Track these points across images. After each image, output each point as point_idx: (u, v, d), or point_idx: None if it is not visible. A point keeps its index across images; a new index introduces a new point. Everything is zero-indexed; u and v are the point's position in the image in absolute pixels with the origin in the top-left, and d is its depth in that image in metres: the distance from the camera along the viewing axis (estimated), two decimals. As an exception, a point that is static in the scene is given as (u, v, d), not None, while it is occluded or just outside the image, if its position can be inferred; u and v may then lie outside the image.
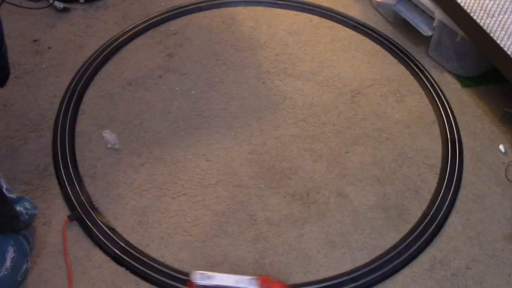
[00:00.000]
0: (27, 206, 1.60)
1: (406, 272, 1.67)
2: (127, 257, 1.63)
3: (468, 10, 2.05)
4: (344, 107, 2.17)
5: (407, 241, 1.74)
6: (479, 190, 1.92)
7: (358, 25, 2.57)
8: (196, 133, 2.01)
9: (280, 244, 1.71)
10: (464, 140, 2.09)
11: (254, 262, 1.66)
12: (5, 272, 1.41)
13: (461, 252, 1.73)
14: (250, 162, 1.94)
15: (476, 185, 1.94)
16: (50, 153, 1.90)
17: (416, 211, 1.84)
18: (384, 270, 1.66)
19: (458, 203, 1.88)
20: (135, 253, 1.64)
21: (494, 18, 1.99)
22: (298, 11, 2.63)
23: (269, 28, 2.51)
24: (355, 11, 2.66)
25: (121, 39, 2.36)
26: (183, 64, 2.28)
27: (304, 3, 2.66)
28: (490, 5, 2.05)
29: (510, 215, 1.85)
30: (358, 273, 1.65)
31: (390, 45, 2.48)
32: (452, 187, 1.90)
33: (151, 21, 2.46)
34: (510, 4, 2.06)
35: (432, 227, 1.78)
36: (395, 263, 1.68)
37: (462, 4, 2.08)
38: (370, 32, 2.55)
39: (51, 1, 2.46)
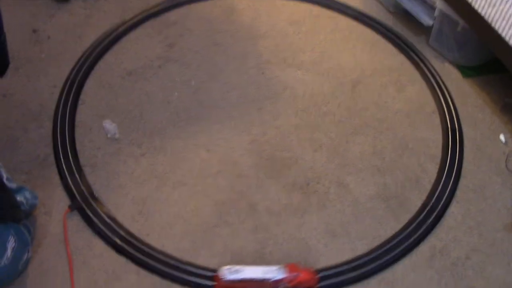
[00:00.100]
0: (27, 196, 1.60)
1: (406, 261, 1.68)
2: (127, 246, 1.63)
3: (469, 0, 2.04)
4: (345, 97, 2.16)
5: (407, 231, 1.74)
6: (479, 180, 1.92)
7: (358, 15, 2.56)
8: (196, 123, 2.01)
9: (280, 234, 1.71)
10: (464, 130, 2.08)
11: (254, 252, 1.66)
12: (6, 262, 1.41)
13: (461, 242, 1.74)
14: (250, 152, 1.93)
15: (476, 175, 1.94)
16: (50, 143, 1.90)
17: (416, 201, 1.84)
18: (384, 259, 1.66)
19: (458, 193, 1.88)
20: (135, 243, 1.65)
21: (496, 8, 1.98)
22: (298, 1, 2.62)
23: (269, 18, 2.50)
24: (355, 1, 2.65)
25: (120, 29, 2.35)
26: (183, 54, 2.28)
27: (305, -7, 2.65)
28: (491, -5, 2.04)
29: (510, 205, 1.85)
30: (358, 262, 1.65)
31: (390, 35, 2.48)
32: (452, 177, 1.90)
33: (150, 11, 2.45)
34: (511, -6, 2.05)
35: (432, 217, 1.79)
36: (395, 252, 1.68)
37: (463, -6, 2.07)
38: (370, 22, 2.54)
39: (50, -9, 2.45)
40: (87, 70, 2.16)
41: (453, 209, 1.83)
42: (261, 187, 1.83)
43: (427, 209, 1.81)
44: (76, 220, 1.69)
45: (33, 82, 2.10)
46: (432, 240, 1.74)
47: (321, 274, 1.60)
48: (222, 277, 1.49)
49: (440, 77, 2.28)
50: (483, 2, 2.01)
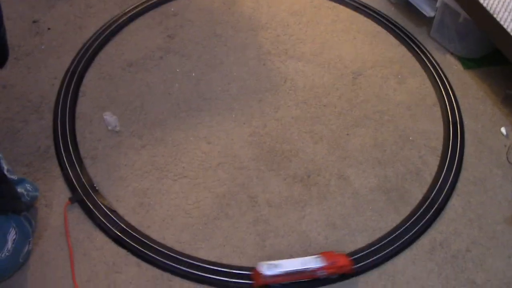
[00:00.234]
0: (28, 187, 1.60)
1: (407, 254, 1.68)
2: (128, 238, 1.64)
3: (471, -9, 2.04)
4: (345, 89, 2.16)
5: (407, 223, 1.74)
6: (480, 172, 1.92)
7: (359, 6, 2.55)
8: (197, 115, 2.01)
9: (280, 226, 1.72)
10: (465, 122, 2.08)
11: (255, 244, 1.66)
12: (7, 254, 1.41)
13: (462, 235, 1.74)
14: (251, 144, 1.93)
15: (477, 167, 1.94)
16: (50, 135, 1.89)
17: (417, 194, 1.84)
18: (385, 252, 1.67)
19: (459, 185, 1.88)
20: (136, 235, 1.65)
21: (498, -1, 1.98)
22: (299, -9, 2.61)
23: (269, 8, 2.49)
24: (357, -8, 2.64)
25: (121, 20, 2.34)
26: (183, 45, 2.27)
27: (306, -16, 2.64)
28: (493, -14, 2.03)
29: (511, 197, 1.85)
30: (359, 255, 1.65)
31: (392, 26, 2.47)
32: (453, 170, 1.90)
33: (151, 2, 2.44)
34: (514, -15, 2.04)
35: (433, 210, 1.79)
36: (395, 245, 1.69)
37: (465, -15, 2.06)
38: (371, 13, 2.53)
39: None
40: (88, 62, 2.15)
41: (453, 201, 1.83)
42: (262, 179, 1.83)
43: (427, 201, 1.81)
44: (76, 212, 1.69)
45: (33, 73, 2.09)
46: (432, 233, 1.74)
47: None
48: (262, 273, 1.49)
49: (441, 69, 2.28)
50: (485, -6, 2.01)
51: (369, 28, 2.45)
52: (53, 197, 1.72)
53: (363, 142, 1.98)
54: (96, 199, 1.72)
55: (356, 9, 2.54)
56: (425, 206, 1.80)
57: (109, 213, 1.69)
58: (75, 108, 1.99)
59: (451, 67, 2.30)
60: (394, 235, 1.71)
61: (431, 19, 2.38)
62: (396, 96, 2.15)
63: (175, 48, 2.25)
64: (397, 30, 2.45)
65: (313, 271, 1.52)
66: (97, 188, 1.76)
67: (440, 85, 2.20)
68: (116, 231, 1.65)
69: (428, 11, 2.35)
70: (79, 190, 1.73)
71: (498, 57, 2.20)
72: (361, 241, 1.70)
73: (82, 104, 2.01)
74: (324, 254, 1.55)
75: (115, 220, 1.67)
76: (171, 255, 1.61)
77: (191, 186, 1.80)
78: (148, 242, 1.63)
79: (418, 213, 1.77)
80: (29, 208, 1.63)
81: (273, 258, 1.62)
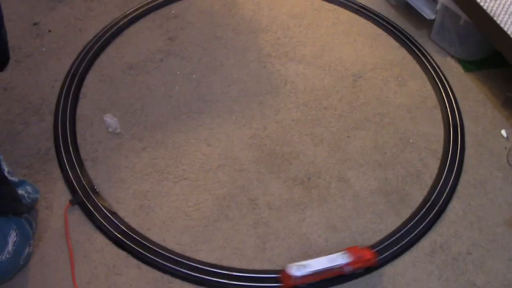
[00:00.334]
0: (28, 189, 1.60)
1: (407, 256, 1.68)
2: (128, 241, 1.64)
3: (472, -6, 2.04)
4: (346, 91, 2.16)
5: (408, 226, 1.74)
6: (480, 175, 1.92)
7: (360, 9, 2.55)
8: (197, 117, 2.01)
9: (281, 229, 1.72)
10: (466, 125, 2.08)
11: (255, 246, 1.67)
12: (7, 256, 1.41)
13: (462, 237, 1.74)
14: (251, 146, 1.93)
15: (477, 170, 1.94)
16: (51, 137, 1.89)
17: (417, 196, 1.84)
18: (385, 254, 1.67)
19: (459, 188, 1.88)
20: (136, 237, 1.65)
21: (498, 1, 1.98)
22: (300, -6, 2.62)
23: (270, 11, 2.50)
24: (357, -6, 2.64)
25: (121, 22, 2.34)
26: (184, 48, 2.27)
27: (306, -14, 2.64)
28: (493, -11, 2.04)
29: (511, 200, 1.85)
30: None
31: (392, 29, 2.47)
32: (454, 172, 1.90)
33: (151, 4, 2.44)
34: (514, -12, 2.04)
35: (433, 212, 1.79)
36: (396, 247, 1.69)
37: (465, -12, 2.07)
38: (372, 15, 2.53)
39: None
40: (88, 64, 2.15)
41: (454, 204, 1.83)
42: (262, 181, 1.83)
43: (428, 204, 1.81)
44: (77, 215, 1.69)
45: (34, 75, 2.09)
46: (433, 235, 1.74)
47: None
48: (292, 275, 1.50)
49: (441, 71, 2.28)
50: (485, -4, 2.01)
51: (369, 31, 2.46)
52: (54, 199, 1.72)
53: (364, 144, 1.98)
54: (97, 201, 1.72)
55: (356, 11, 2.54)
56: (425, 208, 1.80)
57: (109, 215, 1.69)
58: (76, 110, 1.99)
59: (452, 69, 2.30)
60: (394, 238, 1.71)
61: (431, 22, 2.38)
62: (396, 99, 2.15)
63: (176, 51, 2.25)
64: (398, 33, 2.45)
65: (341, 267, 1.54)
66: (97, 190, 1.76)
67: (441, 88, 2.20)
68: (116, 233, 1.65)
69: (429, 14, 2.35)
70: (80, 192, 1.73)
71: (498, 60, 2.20)
72: (361, 243, 1.70)
73: (83, 106, 2.01)
74: (349, 249, 1.57)
75: (116, 222, 1.68)
76: (171, 257, 1.61)
77: (192, 188, 1.80)
78: (148, 244, 1.63)
79: (419, 216, 1.77)
80: (29, 210, 1.63)
81: (274, 261, 1.63)
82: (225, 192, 1.80)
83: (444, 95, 2.17)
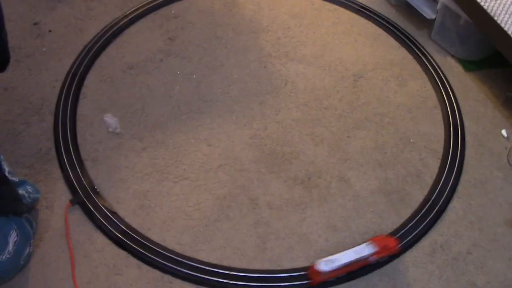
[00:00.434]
0: (29, 189, 1.60)
1: (407, 256, 1.68)
2: (129, 240, 1.64)
3: (472, -6, 2.04)
4: (346, 91, 2.16)
5: (408, 226, 1.74)
6: (481, 175, 1.92)
7: (360, 8, 2.55)
8: (197, 117, 2.01)
9: (281, 228, 1.72)
10: (466, 124, 2.08)
11: (256, 246, 1.66)
12: (8, 256, 1.41)
13: (462, 237, 1.74)
14: (252, 146, 1.93)
15: (478, 170, 1.94)
16: (51, 137, 1.90)
17: (417, 196, 1.84)
18: (385, 254, 1.67)
19: (459, 187, 1.88)
20: (136, 237, 1.65)
21: (498, 1, 1.98)
22: (300, -6, 2.62)
23: (270, 11, 2.50)
24: (357, -6, 2.64)
25: (122, 22, 2.34)
26: (184, 48, 2.27)
27: (306, -14, 2.64)
28: (494, -12, 2.04)
29: (512, 200, 1.86)
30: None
31: (392, 29, 2.47)
32: (454, 172, 1.90)
33: (152, 4, 2.45)
34: (514, -13, 2.04)
35: (434, 212, 1.79)
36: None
37: (466, -13, 2.07)
38: (372, 15, 2.53)
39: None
40: (89, 64, 2.15)
41: (454, 204, 1.83)
42: (262, 181, 1.83)
43: (428, 204, 1.81)
44: (77, 214, 1.69)
45: (34, 75, 2.09)
46: (433, 235, 1.74)
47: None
48: (321, 271, 1.51)
49: (442, 71, 2.28)
50: (485, -4, 2.01)
51: (369, 31, 2.46)
52: (54, 199, 1.72)
53: (364, 144, 1.98)
54: (97, 201, 1.72)
55: (357, 11, 2.54)
56: (425, 208, 1.80)
57: (109, 215, 1.69)
58: (76, 110, 1.99)
59: (452, 69, 2.30)
60: (394, 238, 1.71)
61: (432, 22, 2.38)
62: (396, 99, 2.15)
63: (176, 51, 2.25)
64: (398, 33, 2.45)
65: (367, 258, 1.56)
66: (97, 190, 1.76)
67: (441, 88, 2.20)
68: (116, 233, 1.65)
69: (429, 14, 2.35)
70: (80, 192, 1.74)
71: (498, 60, 2.20)
72: (361, 243, 1.69)
73: (83, 106, 2.01)
74: (373, 239, 1.59)
75: (116, 222, 1.68)
76: (172, 257, 1.61)
77: (192, 188, 1.80)
78: (148, 244, 1.63)
79: (419, 216, 1.77)
80: (30, 210, 1.64)
81: (274, 261, 1.63)
82: (226, 192, 1.80)
83: (444, 95, 2.17)
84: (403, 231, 1.72)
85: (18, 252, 1.46)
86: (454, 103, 2.14)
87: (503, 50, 1.99)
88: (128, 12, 2.40)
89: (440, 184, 1.87)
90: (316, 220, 1.75)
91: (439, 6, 2.28)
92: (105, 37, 2.26)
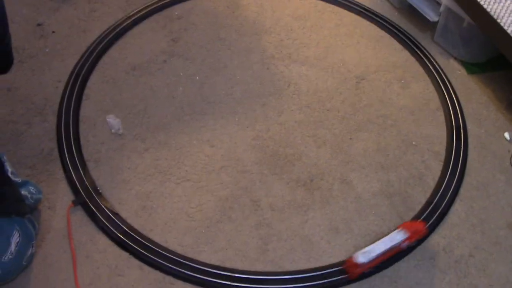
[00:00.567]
0: (31, 190, 1.60)
1: (410, 259, 1.68)
2: (130, 241, 1.64)
3: (475, -4, 2.03)
4: (349, 93, 2.16)
5: (410, 228, 1.74)
6: (483, 177, 1.92)
7: (363, 10, 2.55)
8: (200, 119, 2.01)
9: (283, 230, 1.71)
10: (469, 127, 2.08)
11: (257, 248, 1.66)
12: (10, 257, 1.42)
13: (465, 240, 1.74)
14: (254, 147, 1.93)
15: (480, 172, 1.93)
16: (54, 137, 1.90)
17: (420, 198, 1.84)
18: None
19: (462, 190, 1.88)
20: (138, 238, 1.65)
21: (502, 4, 1.97)
22: (303, -4, 2.62)
23: (273, 13, 2.50)
24: (360, -4, 2.64)
25: (125, 23, 2.35)
26: (187, 49, 2.27)
27: (310, -12, 2.64)
28: (497, -9, 2.03)
29: (514, 202, 1.85)
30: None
31: (395, 31, 2.47)
32: (457, 175, 1.90)
33: (155, 5, 2.45)
34: (517, -10, 2.04)
35: (436, 215, 1.78)
36: (398, 250, 1.69)
37: (469, -10, 2.06)
38: (375, 17, 2.53)
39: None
40: (92, 65, 2.16)
41: (456, 206, 1.83)
42: (265, 183, 1.83)
43: (430, 206, 1.81)
44: (79, 215, 1.70)
45: (37, 76, 2.10)
46: (435, 238, 1.74)
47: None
48: (359, 263, 1.54)
49: (445, 73, 2.28)
50: (489, -2, 2.01)
51: (372, 33, 2.46)
52: (56, 200, 1.72)
53: (366, 146, 1.98)
54: (99, 202, 1.72)
55: (359, 13, 2.54)
56: (428, 211, 1.79)
57: (111, 216, 1.69)
58: (79, 111, 2.00)
59: (455, 72, 2.30)
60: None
61: (434, 24, 2.38)
62: (399, 101, 2.15)
63: (179, 52, 2.25)
64: (401, 35, 2.45)
65: (399, 245, 1.60)
66: (100, 191, 1.76)
67: (444, 90, 2.20)
68: (118, 234, 1.65)
69: (432, 16, 2.35)
70: (82, 193, 1.74)
71: (502, 62, 2.20)
72: (363, 245, 1.69)
73: (86, 107, 2.02)
74: (403, 226, 1.63)
75: (118, 223, 1.68)
76: (174, 258, 1.61)
77: (194, 190, 1.80)
78: (150, 245, 1.63)
79: (421, 218, 1.77)
80: (32, 210, 1.64)
81: (276, 263, 1.63)
82: (228, 193, 1.80)
83: (447, 97, 2.16)
84: (405, 233, 1.72)
85: (21, 252, 1.46)
86: (457, 105, 2.14)
87: (506, 52, 1.99)
88: (131, 13, 2.40)
89: (443, 186, 1.86)
90: (318, 222, 1.74)
91: (442, 8, 2.27)
92: (108, 38, 2.26)
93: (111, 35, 2.28)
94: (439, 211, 1.79)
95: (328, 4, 2.58)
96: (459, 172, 1.91)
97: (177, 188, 1.79)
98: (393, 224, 1.76)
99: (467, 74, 2.30)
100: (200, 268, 1.60)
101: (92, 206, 1.71)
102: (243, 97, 2.10)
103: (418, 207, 1.81)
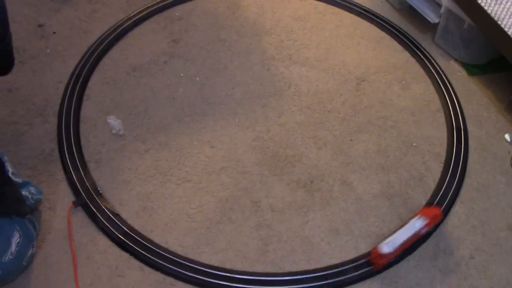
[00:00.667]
0: (32, 190, 1.60)
1: (410, 260, 1.68)
2: (131, 242, 1.64)
3: (476, -2, 2.04)
4: (349, 94, 2.16)
5: (410, 230, 1.74)
6: (483, 179, 1.92)
7: (363, 12, 2.55)
8: (200, 120, 2.01)
9: (283, 231, 1.72)
10: (469, 128, 2.08)
11: (258, 249, 1.67)
12: (11, 257, 1.42)
13: (465, 241, 1.74)
14: (254, 149, 1.93)
15: (481, 174, 1.93)
16: (55, 138, 1.90)
17: (420, 200, 1.84)
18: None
19: (462, 192, 1.88)
20: (139, 239, 1.65)
21: (502, 5, 1.97)
22: (304, -3, 2.62)
23: (274, 14, 2.50)
24: (361, -2, 2.65)
25: (126, 24, 2.35)
26: (188, 50, 2.27)
27: (310, -11, 2.64)
28: (498, -7, 2.04)
29: (514, 204, 1.85)
30: (361, 261, 1.65)
31: (396, 32, 2.47)
32: (457, 176, 1.90)
33: (156, 6, 2.45)
34: (518, -8, 2.04)
35: (436, 216, 1.79)
36: (398, 251, 1.69)
37: (469, -9, 2.07)
38: (375, 18, 2.53)
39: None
40: (92, 66, 2.16)
41: (457, 208, 1.83)
42: (265, 184, 1.84)
43: (431, 208, 1.80)
44: (80, 216, 1.70)
45: (38, 77, 2.10)
46: (436, 239, 1.74)
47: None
48: (384, 253, 1.57)
49: (445, 75, 2.28)
50: (489, 0, 2.00)
51: (373, 34, 2.46)
52: (57, 200, 1.72)
53: (367, 148, 1.98)
54: (100, 202, 1.72)
55: (360, 14, 2.54)
56: (428, 212, 1.79)
57: (112, 217, 1.69)
58: (80, 112, 2.00)
59: (455, 73, 2.30)
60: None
61: (435, 25, 2.38)
62: (400, 102, 2.15)
63: (180, 53, 2.26)
64: (401, 36, 2.45)
65: (419, 231, 1.63)
66: (100, 191, 1.76)
67: (444, 91, 2.20)
68: (119, 235, 1.65)
69: (433, 17, 2.35)
70: (83, 194, 1.74)
71: (502, 64, 2.20)
72: (364, 247, 1.70)
73: (87, 108, 2.02)
74: (421, 213, 1.66)
75: (118, 224, 1.68)
76: (174, 259, 1.61)
77: (195, 190, 1.80)
78: (151, 246, 1.64)
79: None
80: (33, 211, 1.64)
81: (276, 264, 1.63)
82: (228, 194, 1.80)
83: (447, 99, 2.17)
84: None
85: (21, 253, 1.46)
86: (457, 107, 2.14)
87: (507, 54, 1.99)
88: (132, 14, 2.40)
89: (443, 188, 1.86)
90: (318, 224, 1.74)
91: (442, 10, 2.28)
92: (109, 39, 2.27)
93: (112, 36, 2.28)
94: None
95: (328, 5, 2.58)
96: (459, 173, 1.91)
97: (177, 189, 1.79)
98: (393, 225, 1.76)
99: (468, 76, 2.30)
100: (200, 269, 1.60)
101: (92, 207, 1.71)
102: (244, 98, 2.10)
103: (418, 209, 1.81)
